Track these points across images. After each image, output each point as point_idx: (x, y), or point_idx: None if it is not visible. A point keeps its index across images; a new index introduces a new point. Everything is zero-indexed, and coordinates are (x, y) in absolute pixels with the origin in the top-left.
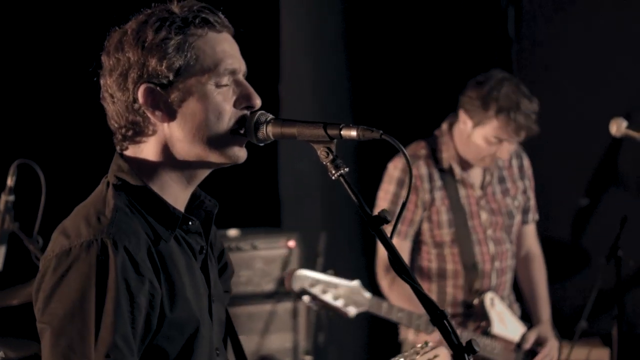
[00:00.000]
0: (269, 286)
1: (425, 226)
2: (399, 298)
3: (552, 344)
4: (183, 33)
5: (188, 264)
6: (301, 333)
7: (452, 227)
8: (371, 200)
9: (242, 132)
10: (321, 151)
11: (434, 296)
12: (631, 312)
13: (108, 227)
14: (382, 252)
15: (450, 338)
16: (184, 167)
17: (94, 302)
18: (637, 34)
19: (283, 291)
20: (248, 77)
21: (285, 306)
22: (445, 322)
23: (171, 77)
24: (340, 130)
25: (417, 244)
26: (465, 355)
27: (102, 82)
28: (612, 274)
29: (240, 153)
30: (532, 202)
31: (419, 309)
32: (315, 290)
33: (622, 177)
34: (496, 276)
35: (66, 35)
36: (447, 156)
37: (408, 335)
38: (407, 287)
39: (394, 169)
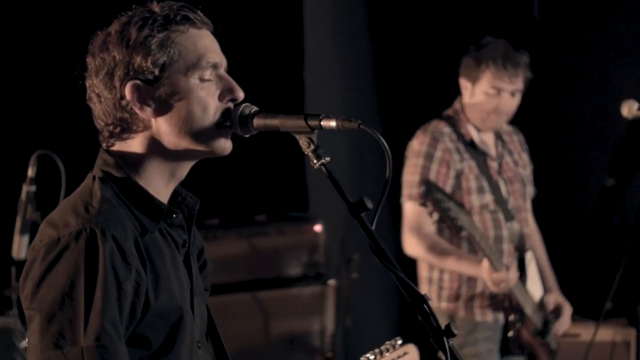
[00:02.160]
0: (296, 270)
1: (456, 195)
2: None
3: (568, 310)
4: (165, 30)
5: (172, 256)
6: (329, 316)
7: (483, 193)
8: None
9: (227, 124)
10: (303, 141)
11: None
12: None
13: (96, 217)
14: (408, 215)
15: (429, 321)
16: (170, 160)
17: (83, 289)
18: None
19: (310, 275)
20: (274, 65)
21: (312, 290)
22: (425, 306)
23: (157, 73)
24: (320, 121)
25: None
26: (444, 338)
27: (87, 83)
28: (637, 255)
29: (226, 145)
30: (531, 176)
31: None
32: (438, 201)
33: None
34: None
35: (82, 27)
36: (466, 130)
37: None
38: (443, 241)
39: (420, 144)
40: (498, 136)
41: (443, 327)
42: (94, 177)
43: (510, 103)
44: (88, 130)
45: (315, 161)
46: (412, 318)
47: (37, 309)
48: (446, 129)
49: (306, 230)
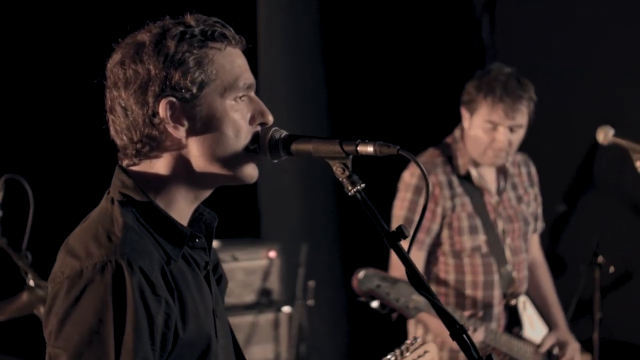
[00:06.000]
0: (250, 297)
1: (445, 233)
2: None
3: (574, 347)
4: (205, 46)
5: (195, 280)
6: (283, 344)
7: (476, 234)
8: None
9: (255, 149)
10: (337, 167)
11: (451, 301)
12: (611, 318)
13: (121, 247)
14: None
15: (470, 352)
16: (196, 183)
17: (113, 326)
18: (613, 41)
19: (264, 302)
20: None
21: (266, 317)
22: (464, 336)
23: (194, 91)
24: (357, 146)
25: (434, 255)
26: None
27: (113, 94)
28: (591, 280)
29: (253, 172)
30: (540, 210)
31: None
32: (382, 292)
33: (599, 183)
34: None
35: (53, 50)
36: (463, 162)
37: (417, 332)
38: None
39: (411, 176)
40: (501, 169)
41: (484, 358)
42: (112, 200)
43: (509, 139)
44: (57, 155)
45: (350, 187)
46: (364, 345)
47: (63, 347)
48: (440, 159)
49: (260, 257)
